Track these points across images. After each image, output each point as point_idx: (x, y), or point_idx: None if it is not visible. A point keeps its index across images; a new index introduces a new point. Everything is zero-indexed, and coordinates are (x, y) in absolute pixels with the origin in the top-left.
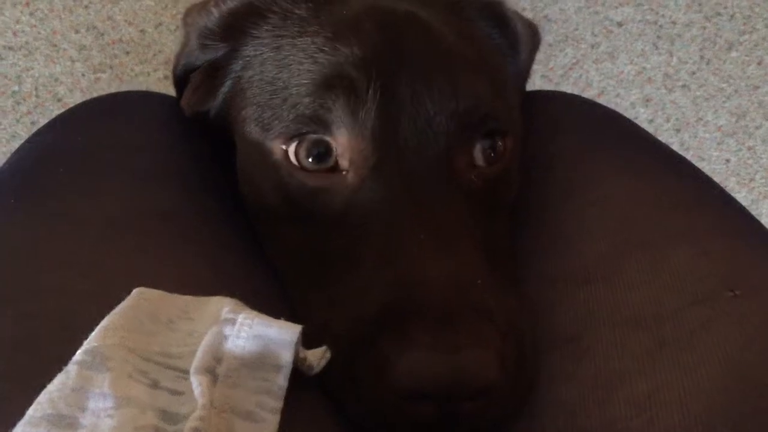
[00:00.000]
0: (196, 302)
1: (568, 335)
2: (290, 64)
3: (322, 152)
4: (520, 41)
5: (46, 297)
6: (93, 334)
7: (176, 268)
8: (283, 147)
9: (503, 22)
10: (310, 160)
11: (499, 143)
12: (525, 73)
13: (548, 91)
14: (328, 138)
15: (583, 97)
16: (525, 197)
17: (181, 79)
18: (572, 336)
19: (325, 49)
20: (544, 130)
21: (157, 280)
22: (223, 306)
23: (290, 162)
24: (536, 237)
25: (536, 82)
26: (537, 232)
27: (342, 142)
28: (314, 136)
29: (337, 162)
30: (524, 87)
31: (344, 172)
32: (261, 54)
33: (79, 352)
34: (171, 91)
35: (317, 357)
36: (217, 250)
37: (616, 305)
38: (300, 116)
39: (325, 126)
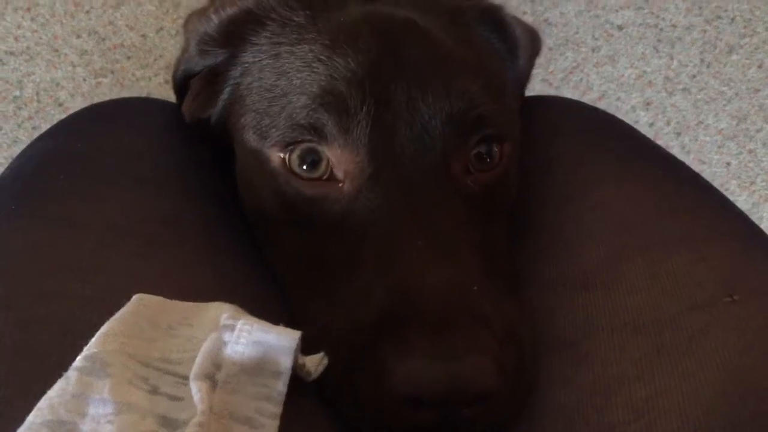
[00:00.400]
0: (196, 308)
1: (567, 340)
2: (288, 72)
3: (316, 160)
4: (519, 46)
5: (46, 302)
6: (93, 340)
7: (176, 274)
8: (281, 155)
9: (502, 27)
10: (304, 167)
11: (496, 149)
12: (524, 79)
13: (547, 96)
14: (322, 147)
15: (582, 102)
16: (524, 201)
17: (180, 85)
18: (571, 341)
19: (322, 58)
20: (543, 135)
21: (158, 286)
22: (222, 312)
23: (288, 170)
24: (536, 241)
25: (536, 86)
26: (536, 236)
27: (336, 155)
28: (307, 144)
29: (332, 172)
30: (524, 92)
31: (340, 183)
32: (260, 61)
33: (79, 358)
34: (172, 95)
35: (315, 363)
36: (217, 255)
37: (615, 310)
38: (296, 125)
39: (321, 136)
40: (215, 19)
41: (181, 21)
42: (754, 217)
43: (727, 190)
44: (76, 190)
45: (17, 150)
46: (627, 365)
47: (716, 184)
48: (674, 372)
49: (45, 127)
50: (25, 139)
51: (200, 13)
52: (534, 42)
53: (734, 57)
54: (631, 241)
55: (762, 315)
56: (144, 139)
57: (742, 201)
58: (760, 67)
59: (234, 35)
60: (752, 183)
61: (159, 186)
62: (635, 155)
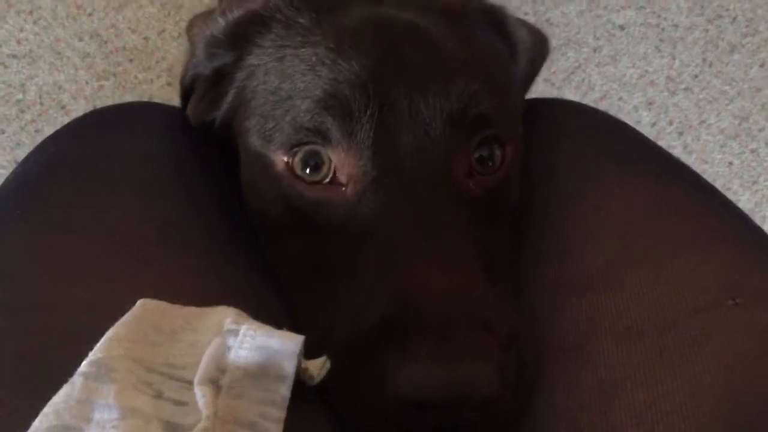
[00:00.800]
0: (199, 313)
1: (569, 343)
2: (293, 75)
3: (319, 163)
4: (518, 49)
5: (50, 309)
6: (98, 345)
7: (180, 278)
8: (285, 158)
9: (504, 29)
10: (307, 171)
11: (498, 152)
12: (527, 81)
13: (549, 99)
14: (326, 150)
15: (585, 104)
16: (526, 204)
17: (188, 90)
18: (574, 344)
19: (326, 61)
20: (545, 137)
21: (161, 291)
22: (226, 317)
23: (292, 173)
24: (538, 244)
25: (539, 87)
26: (539, 239)
27: (339, 159)
28: (310, 147)
29: (335, 176)
30: (525, 94)
31: (343, 187)
32: (265, 63)
33: (84, 363)
34: (174, 98)
35: (317, 367)
36: (221, 259)
37: (618, 314)
38: (300, 128)
39: (324, 139)
40: (222, 21)
41: (183, 23)
42: (756, 217)
43: (729, 189)
44: (79, 196)
45: (20, 153)
46: (630, 368)
47: (718, 183)
48: (677, 375)
49: (48, 129)
50: (28, 142)
51: (205, 17)
52: (540, 45)
53: (736, 56)
54: (633, 244)
55: (765, 318)
56: (146, 144)
57: (744, 201)
58: (762, 66)
59: (240, 37)
60: (755, 183)
61: (162, 190)
62: (637, 157)
